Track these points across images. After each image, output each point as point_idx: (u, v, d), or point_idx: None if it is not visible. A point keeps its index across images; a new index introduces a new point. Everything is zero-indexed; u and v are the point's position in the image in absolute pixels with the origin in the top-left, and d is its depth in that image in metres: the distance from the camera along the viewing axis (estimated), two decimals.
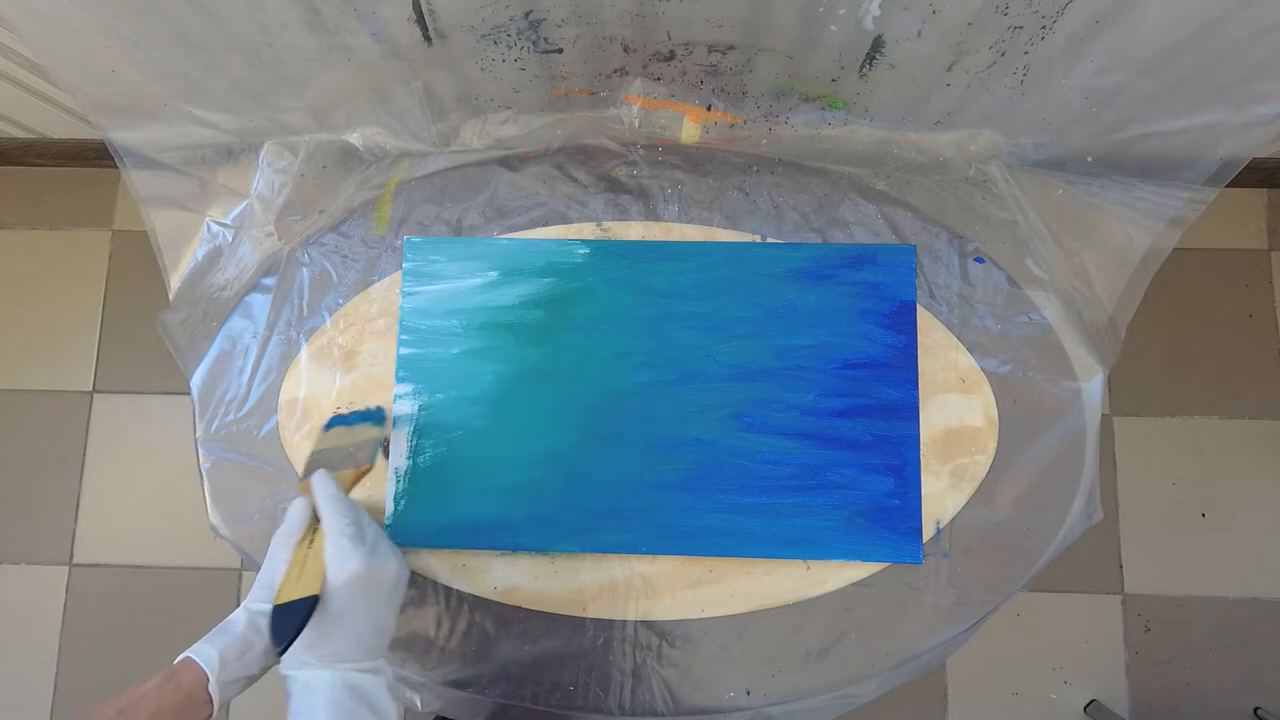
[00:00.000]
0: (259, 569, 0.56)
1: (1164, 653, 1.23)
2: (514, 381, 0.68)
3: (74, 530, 1.28)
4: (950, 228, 0.71)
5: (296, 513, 0.52)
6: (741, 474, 0.66)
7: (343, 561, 0.48)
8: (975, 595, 0.65)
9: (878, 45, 0.62)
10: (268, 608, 0.52)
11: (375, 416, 0.64)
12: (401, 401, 0.68)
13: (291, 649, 0.47)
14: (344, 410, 0.67)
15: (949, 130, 0.72)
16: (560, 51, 0.66)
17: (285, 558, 0.50)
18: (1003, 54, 0.61)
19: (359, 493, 0.67)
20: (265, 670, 0.53)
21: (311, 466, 0.57)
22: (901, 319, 0.68)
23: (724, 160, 0.73)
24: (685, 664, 0.65)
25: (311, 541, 0.50)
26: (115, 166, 0.67)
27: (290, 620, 0.45)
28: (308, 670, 0.47)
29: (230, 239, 0.72)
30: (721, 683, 0.65)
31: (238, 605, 0.54)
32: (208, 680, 0.49)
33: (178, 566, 1.26)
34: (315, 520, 0.52)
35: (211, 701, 0.49)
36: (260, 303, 0.71)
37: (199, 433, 0.69)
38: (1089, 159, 0.71)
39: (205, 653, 0.50)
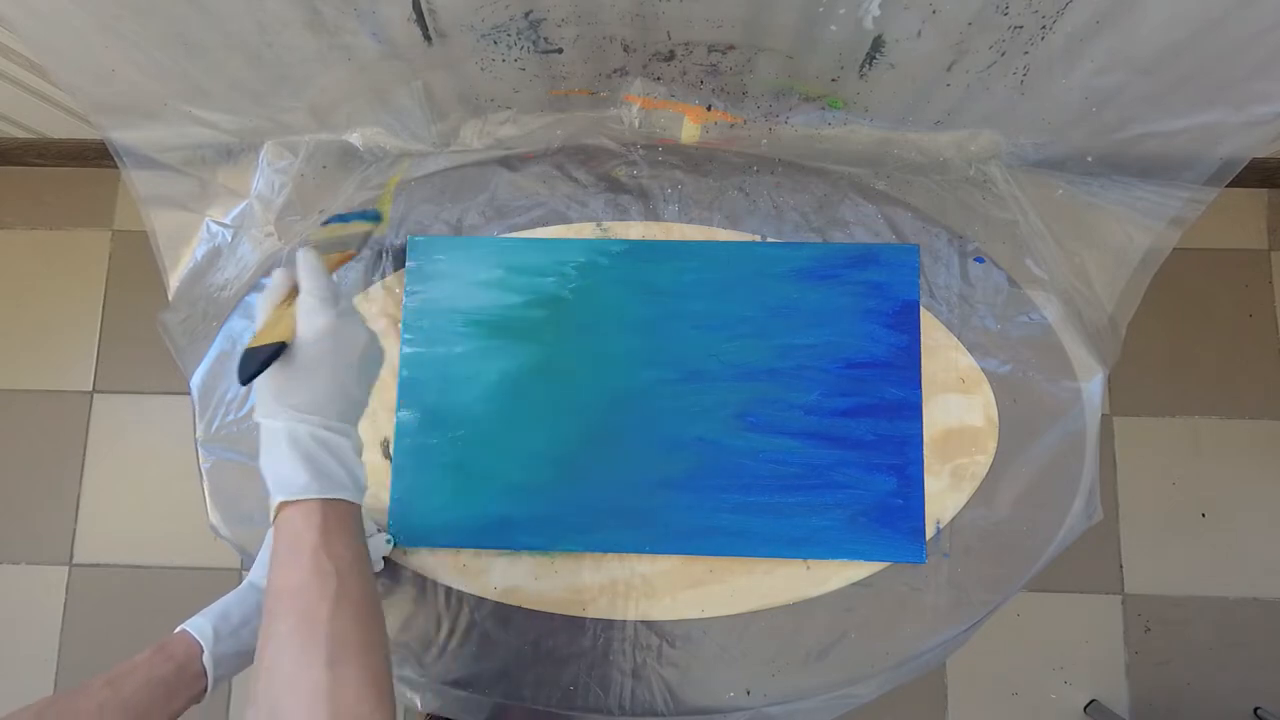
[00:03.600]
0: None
1: (1164, 653, 1.23)
2: (516, 380, 0.68)
3: (74, 530, 1.28)
4: (950, 228, 0.71)
5: (278, 277, 0.52)
6: (744, 473, 0.66)
7: (312, 317, 0.48)
8: (975, 595, 0.65)
9: (878, 45, 0.62)
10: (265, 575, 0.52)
11: (370, 215, 0.63)
12: (404, 400, 0.68)
13: (262, 398, 0.48)
14: (344, 211, 0.66)
15: (949, 130, 0.72)
16: (560, 51, 0.66)
17: (266, 312, 0.51)
18: (1003, 54, 0.61)
19: None
20: None
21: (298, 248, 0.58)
22: (904, 318, 0.68)
23: (724, 160, 0.73)
24: (685, 664, 0.65)
25: (289, 304, 0.51)
26: (115, 166, 0.67)
27: (256, 360, 0.46)
28: (277, 419, 0.47)
29: (230, 239, 0.72)
30: (721, 683, 0.65)
31: None
32: (201, 652, 0.49)
33: (178, 566, 1.26)
34: (295, 291, 0.52)
35: (206, 675, 0.49)
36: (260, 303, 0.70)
37: (199, 433, 0.69)
38: (1089, 159, 0.71)
39: (198, 624, 0.50)
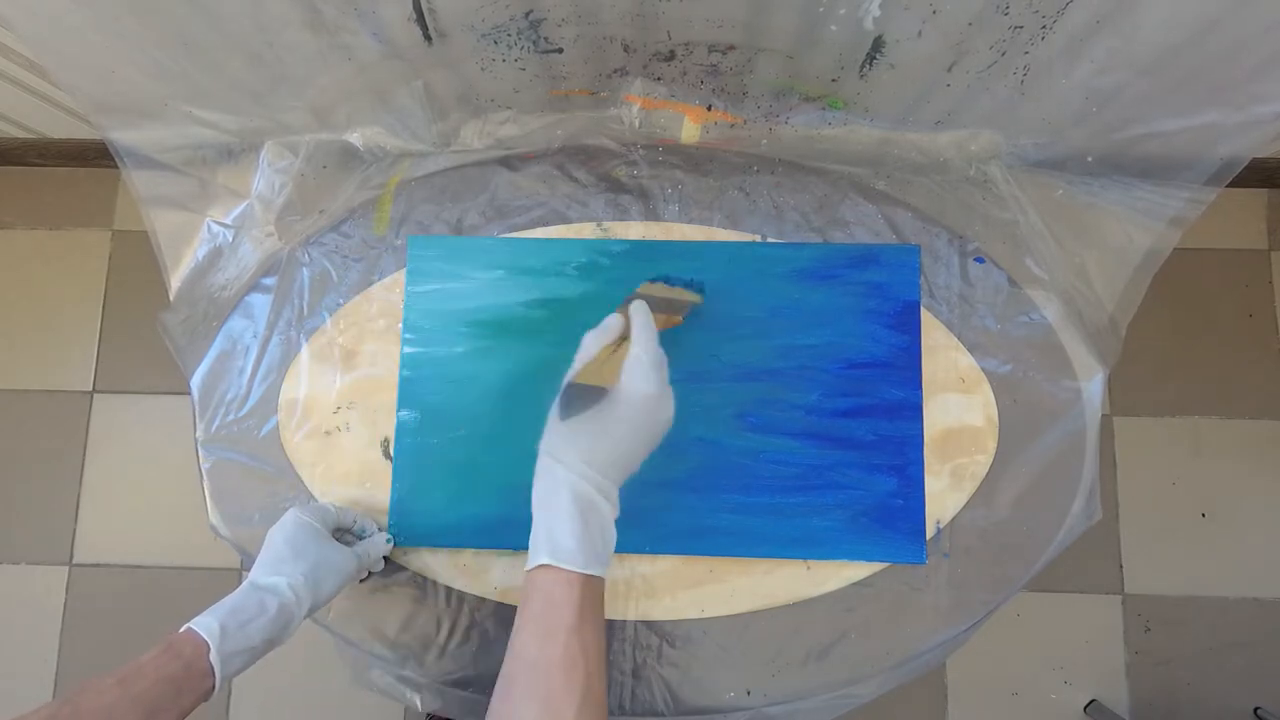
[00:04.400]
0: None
1: (1164, 653, 1.23)
2: (517, 380, 0.68)
3: (74, 530, 1.28)
4: (950, 228, 0.71)
5: (613, 320, 0.54)
6: (745, 474, 0.66)
7: (641, 377, 0.50)
8: (975, 595, 0.65)
9: (878, 45, 0.62)
10: (273, 580, 0.53)
11: (696, 286, 0.66)
12: (404, 400, 0.68)
13: (558, 435, 0.49)
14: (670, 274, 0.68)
15: (949, 130, 0.72)
16: (560, 51, 0.66)
17: (593, 352, 0.52)
18: (1003, 54, 0.61)
19: (349, 492, 0.67)
20: (268, 644, 0.52)
21: (634, 299, 0.60)
22: (905, 319, 0.68)
23: (724, 160, 0.73)
24: (685, 664, 0.65)
25: (616, 350, 0.53)
26: (115, 166, 0.67)
27: (582, 398, 0.48)
28: (561, 465, 0.48)
29: (230, 239, 0.72)
30: (721, 683, 0.65)
31: None
32: (208, 650, 0.49)
33: (178, 566, 1.26)
34: (624, 337, 0.54)
35: (213, 673, 0.49)
36: (260, 303, 0.71)
37: (199, 433, 0.69)
38: (1089, 159, 0.71)
39: (205, 623, 0.50)
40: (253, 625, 0.51)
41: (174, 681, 0.47)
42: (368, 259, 0.71)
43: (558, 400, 0.49)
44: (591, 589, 0.46)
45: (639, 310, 0.54)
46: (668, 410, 0.51)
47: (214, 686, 0.49)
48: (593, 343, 0.54)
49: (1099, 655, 1.23)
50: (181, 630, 0.50)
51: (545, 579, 0.46)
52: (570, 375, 0.51)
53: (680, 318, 0.62)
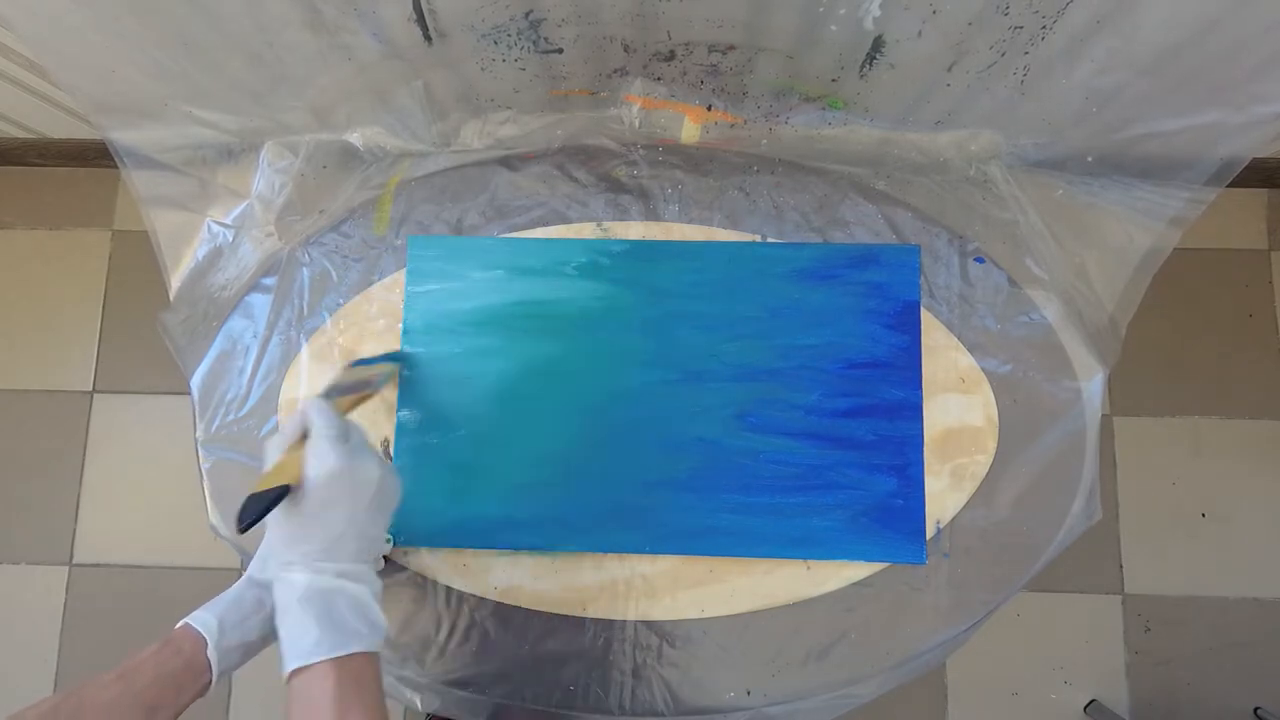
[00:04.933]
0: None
1: (1164, 653, 1.23)
2: (517, 380, 0.68)
3: (74, 530, 1.28)
4: (950, 228, 0.71)
5: (290, 422, 0.52)
6: (745, 474, 0.66)
7: (321, 458, 0.48)
8: (975, 595, 0.65)
9: (878, 45, 0.62)
10: (269, 576, 0.52)
11: (396, 356, 0.66)
12: (404, 400, 0.68)
13: (274, 549, 0.47)
14: (372, 354, 0.68)
15: (949, 130, 0.72)
16: (560, 51, 0.66)
17: (274, 457, 0.51)
18: (1003, 54, 0.61)
19: None
20: (265, 639, 0.52)
21: (321, 393, 0.59)
22: (905, 319, 0.68)
23: (724, 160, 0.73)
24: (685, 664, 0.65)
25: (299, 447, 0.51)
26: (115, 166, 0.67)
27: (258, 505, 0.46)
28: (290, 571, 0.47)
29: (231, 239, 0.72)
30: (721, 683, 0.65)
31: None
32: (206, 646, 0.49)
33: (178, 566, 1.26)
34: (304, 435, 0.52)
35: (210, 668, 0.49)
36: (260, 303, 0.71)
37: (199, 433, 0.69)
38: (1089, 159, 0.71)
39: (203, 618, 0.50)
40: (249, 621, 0.51)
41: (174, 677, 0.47)
42: (368, 259, 0.71)
43: (236, 518, 0.46)
44: (350, 669, 0.45)
45: (311, 404, 0.52)
46: (369, 471, 0.49)
47: (211, 682, 0.49)
48: (273, 449, 0.51)
49: (1099, 655, 1.23)
50: (179, 625, 0.50)
51: (298, 683, 0.44)
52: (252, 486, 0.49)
53: (374, 391, 0.61)
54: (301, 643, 0.45)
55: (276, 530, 0.48)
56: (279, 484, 0.47)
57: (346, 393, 0.59)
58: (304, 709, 0.44)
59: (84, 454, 1.30)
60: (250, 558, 0.63)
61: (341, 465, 0.48)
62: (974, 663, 1.23)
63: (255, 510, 0.46)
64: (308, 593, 0.46)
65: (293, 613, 0.46)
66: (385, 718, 0.45)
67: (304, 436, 0.51)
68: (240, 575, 0.55)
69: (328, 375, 0.69)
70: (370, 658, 0.46)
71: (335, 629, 0.45)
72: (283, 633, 0.46)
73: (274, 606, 0.47)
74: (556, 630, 0.65)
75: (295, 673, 0.45)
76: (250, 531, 0.66)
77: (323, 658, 0.44)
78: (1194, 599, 1.24)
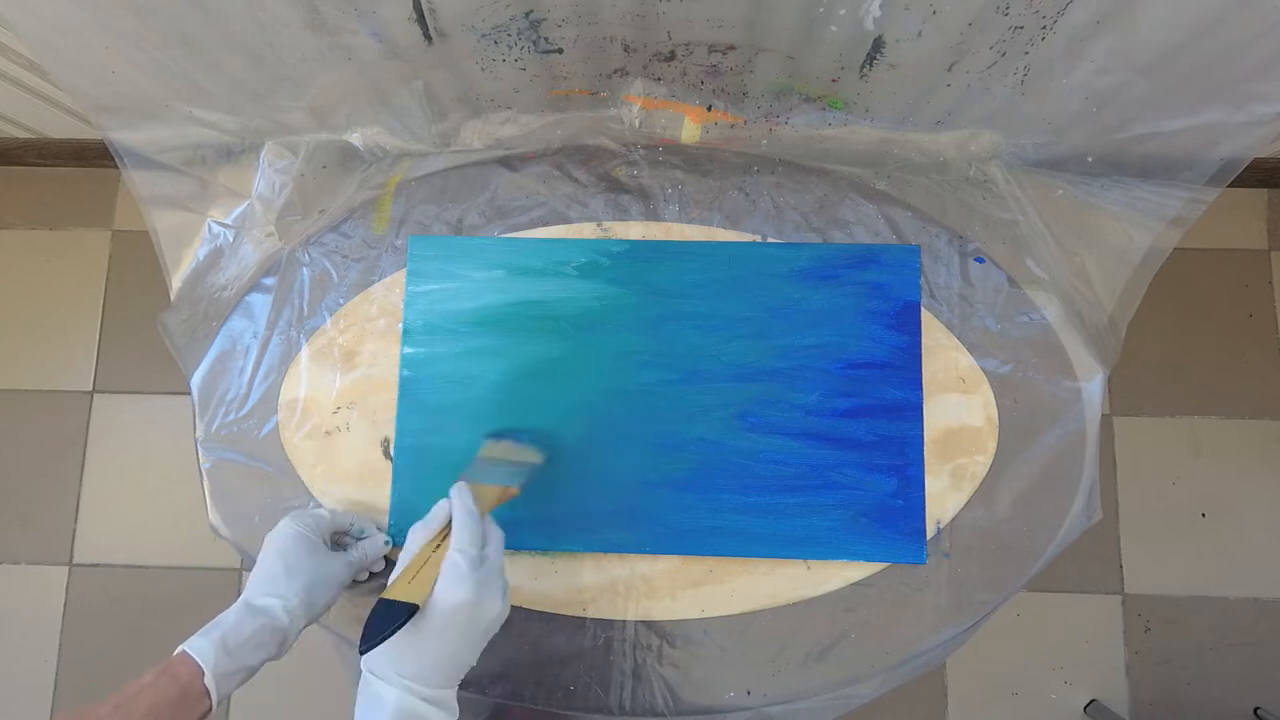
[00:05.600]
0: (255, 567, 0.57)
1: (1164, 653, 1.23)
2: (516, 380, 0.68)
3: (74, 530, 1.28)
4: (950, 228, 0.71)
5: (438, 512, 0.53)
6: (745, 474, 0.66)
7: (454, 585, 0.48)
8: (975, 595, 0.65)
9: (878, 45, 0.62)
10: (267, 602, 0.53)
11: (544, 441, 0.65)
12: (404, 400, 0.68)
13: (372, 656, 0.47)
14: (519, 429, 0.67)
15: (949, 130, 0.72)
16: (560, 51, 0.66)
17: (414, 550, 0.51)
18: (1003, 54, 0.61)
19: (349, 492, 0.67)
20: (263, 662, 0.53)
21: (472, 471, 0.58)
22: (905, 319, 0.68)
23: (724, 160, 0.73)
24: (685, 664, 0.65)
25: (437, 546, 0.51)
26: (115, 166, 0.67)
27: (388, 620, 0.46)
28: (383, 682, 0.47)
29: (231, 239, 0.72)
30: (722, 683, 0.65)
31: None
32: (203, 674, 0.49)
33: (178, 566, 1.26)
34: (446, 531, 0.52)
35: (209, 695, 0.49)
36: (261, 303, 0.71)
37: (199, 433, 0.69)
38: (1089, 159, 0.71)
39: (200, 646, 0.50)
40: (245, 647, 0.51)
41: (171, 705, 0.47)
42: (368, 259, 0.71)
43: (366, 621, 0.46)
44: None
45: (458, 495, 0.52)
46: (491, 608, 0.49)
47: (211, 709, 0.50)
48: (416, 539, 0.52)
49: (1099, 655, 1.23)
50: (176, 653, 0.50)
51: None
52: (389, 584, 0.49)
53: (518, 488, 0.59)
54: None
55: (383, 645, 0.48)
56: (410, 599, 0.47)
57: (493, 478, 0.58)
58: None
59: (84, 454, 1.30)
60: (251, 558, 0.63)
61: (471, 598, 0.48)
62: (974, 663, 1.23)
63: (382, 628, 0.45)
64: (397, 713, 0.46)
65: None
66: None
67: (445, 532, 0.51)
68: (240, 576, 0.55)
69: (331, 376, 0.69)
70: None
71: None
72: None
73: (356, 703, 0.48)
74: (556, 630, 0.65)
75: None
76: (250, 533, 0.67)
77: None
78: (1194, 599, 1.24)
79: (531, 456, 0.63)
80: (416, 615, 0.47)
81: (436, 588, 0.48)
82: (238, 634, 0.51)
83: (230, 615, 0.53)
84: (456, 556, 0.49)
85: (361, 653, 0.46)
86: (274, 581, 0.55)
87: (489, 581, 0.49)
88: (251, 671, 0.52)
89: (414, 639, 0.47)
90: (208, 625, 0.52)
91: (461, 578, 0.48)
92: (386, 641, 0.46)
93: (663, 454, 0.67)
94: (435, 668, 0.48)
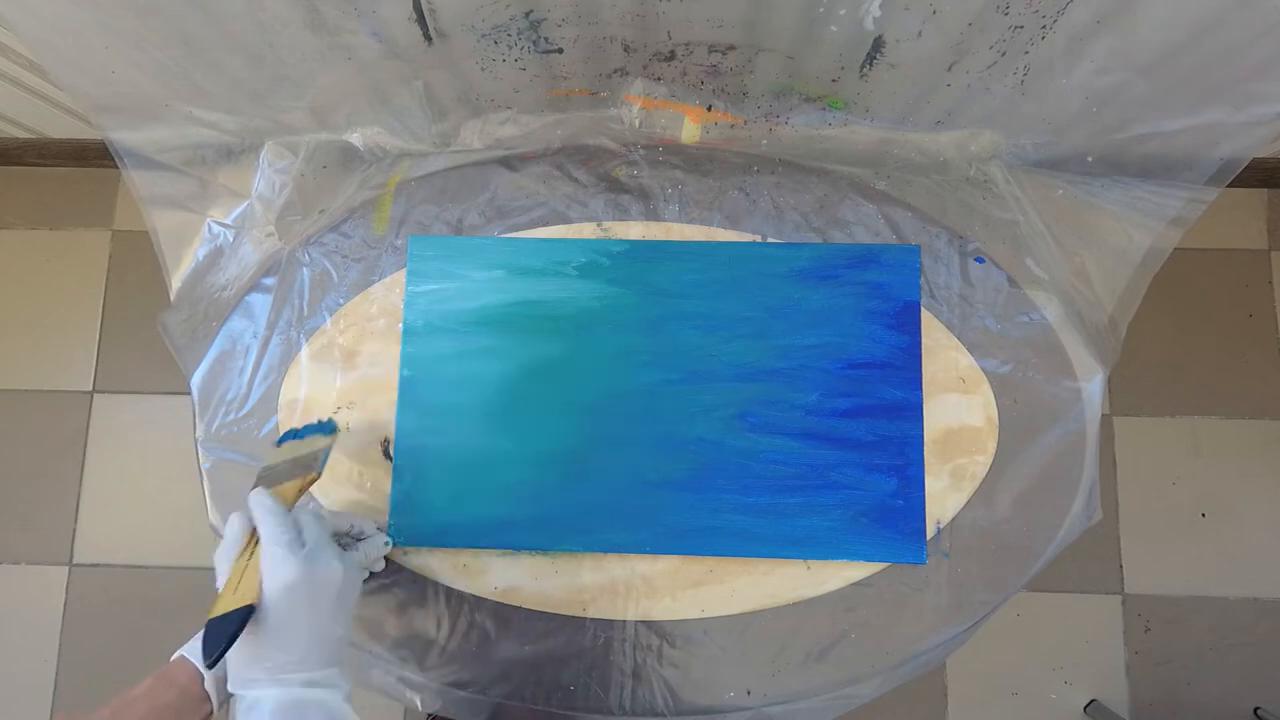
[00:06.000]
0: None
1: (1164, 653, 1.23)
2: (517, 380, 0.68)
3: (74, 530, 1.28)
4: (950, 228, 0.71)
5: (233, 527, 0.51)
6: (745, 474, 0.66)
7: (277, 569, 0.46)
8: (975, 595, 0.65)
9: (878, 45, 0.62)
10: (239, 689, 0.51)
11: (326, 427, 0.63)
12: (404, 400, 0.68)
13: (236, 665, 0.46)
14: (296, 426, 0.66)
15: (949, 130, 0.72)
16: (560, 51, 0.66)
17: (224, 571, 0.49)
18: (1003, 54, 0.61)
19: (349, 492, 0.67)
20: None
21: (260, 481, 0.56)
22: (905, 319, 0.68)
23: (724, 160, 0.73)
24: (685, 664, 0.65)
25: (251, 554, 0.49)
26: (115, 166, 0.67)
27: (221, 632, 0.44)
28: (255, 688, 0.45)
29: (231, 239, 0.72)
30: (722, 683, 0.65)
31: None
32: (202, 678, 0.49)
33: (178, 566, 1.26)
34: (254, 538, 0.50)
35: (210, 699, 0.49)
36: (261, 303, 0.71)
37: (199, 433, 0.69)
38: (1089, 159, 0.71)
39: (197, 649, 0.49)
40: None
41: (170, 709, 0.47)
42: (368, 259, 0.71)
43: (201, 649, 0.44)
44: None
45: (256, 502, 0.50)
46: (329, 574, 0.48)
47: (212, 712, 0.49)
48: (224, 560, 0.50)
49: (1099, 655, 1.23)
50: (174, 658, 0.50)
51: None
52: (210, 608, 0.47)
53: (316, 472, 0.57)
54: None
55: (237, 652, 0.46)
56: (239, 605, 0.45)
57: (286, 477, 0.56)
58: None
59: (84, 454, 1.30)
60: None
61: (300, 574, 0.46)
62: (974, 663, 1.23)
63: (220, 640, 0.44)
64: (277, 709, 0.44)
65: None
66: None
67: (254, 539, 0.49)
68: None
69: (331, 376, 0.69)
70: None
71: None
72: None
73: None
74: (556, 630, 0.65)
75: None
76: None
77: None
78: (1194, 599, 1.24)
79: (320, 443, 0.61)
80: (256, 614, 0.45)
81: (263, 581, 0.46)
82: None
83: None
84: (270, 547, 0.47)
85: (208, 666, 0.44)
86: None
87: (316, 553, 0.48)
88: None
89: (265, 634, 0.46)
90: None
91: (283, 560, 0.47)
92: (245, 650, 0.45)
93: (663, 454, 0.67)
94: (304, 654, 0.46)
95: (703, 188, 0.72)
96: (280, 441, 0.63)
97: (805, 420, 0.67)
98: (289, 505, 0.52)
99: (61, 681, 1.25)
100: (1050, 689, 1.23)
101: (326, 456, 0.59)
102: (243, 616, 0.45)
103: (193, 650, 0.50)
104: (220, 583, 0.49)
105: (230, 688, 0.47)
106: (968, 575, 0.66)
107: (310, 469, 0.57)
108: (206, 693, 0.49)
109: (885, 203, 0.71)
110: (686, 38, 0.64)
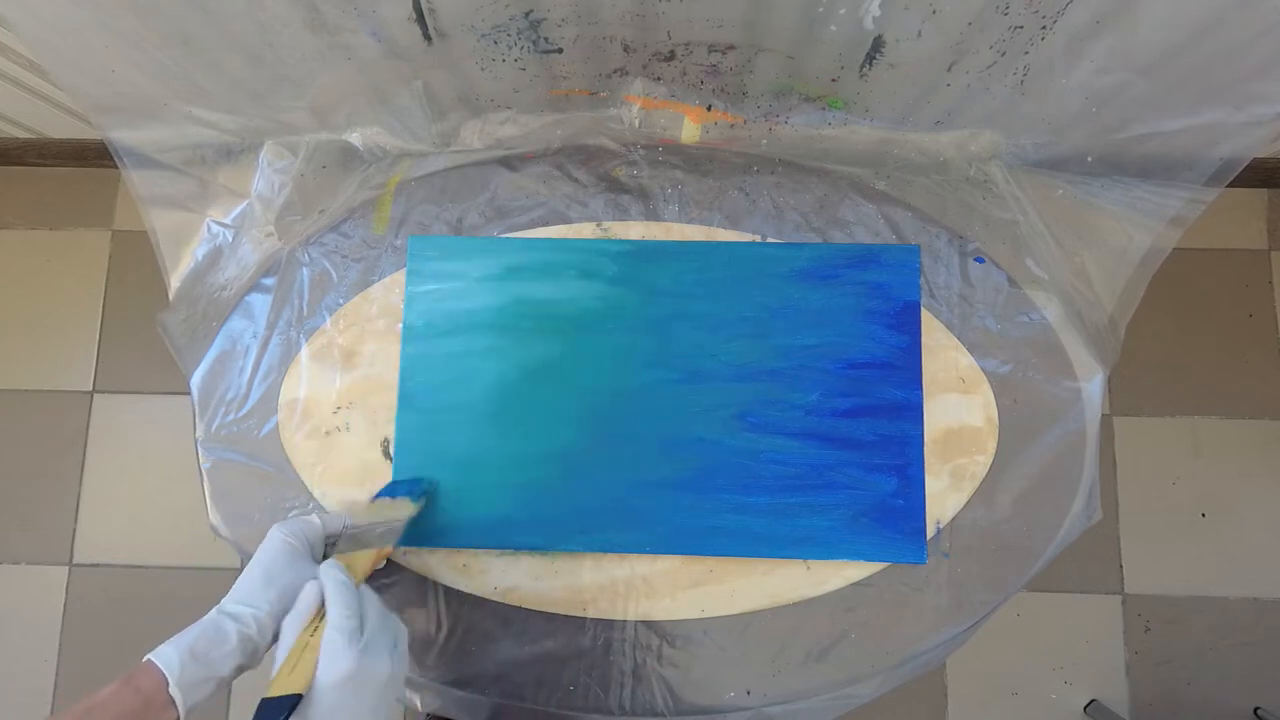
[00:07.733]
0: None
1: (1164, 653, 1.23)
2: (517, 380, 0.68)
3: (74, 530, 1.28)
4: (950, 228, 0.71)
5: (307, 597, 0.51)
6: (745, 474, 0.66)
7: (335, 660, 0.47)
8: (975, 595, 0.65)
9: (878, 45, 0.62)
10: (238, 609, 0.51)
11: (416, 489, 0.64)
12: (404, 400, 0.68)
13: None
14: (400, 479, 0.66)
15: (949, 130, 0.72)
16: (560, 51, 0.66)
17: (289, 642, 0.49)
18: (1003, 54, 0.61)
19: (357, 492, 0.67)
20: (235, 671, 0.51)
21: (343, 544, 0.57)
22: (905, 319, 0.68)
23: (724, 160, 0.73)
24: (685, 664, 0.65)
25: (315, 629, 0.50)
26: (115, 166, 0.67)
27: (274, 715, 0.45)
28: None
29: (230, 239, 0.72)
30: (721, 683, 0.65)
31: None
32: (168, 683, 0.48)
33: (178, 566, 1.26)
34: (321, 612, 0.51)
35: (174, 704, 0.48)
36: (260, 303, 0.71)
37: (199, 433, 0.69)
38: (1089, 159, 0.71)
39: (165, 654, 0.49)
40: (214, 654, 0.50)
41: (134, 716, 0.46)
42: (368, 259, 0.71)
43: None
44: None
45: (327, 572, 0.51)
46: (380, 668, 0.48)
47: (178, 718, 0.48)
48: (290, 630, 0.50)
49: (1099, 655, 1.23)
50: (142, 661, 0.49)
51: None
52: (270, 680, 0.47)
53: (392, 546, 0.58)
54: None
55: None
56: (292, 691, 0.45)
57: (366, 544, 0.57)
58: None
59: (84, 454, 1.30)
60: (250, 558, 0.63)
61: (353, 668, 0.47)
62: (974, 663, 1.23)
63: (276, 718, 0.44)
64: None
65: None
66: None
67: (320, 615, 0.50)
68: (239, 575, 0.55)
69: (331, 376, 0.69)
70: None
71: None
72: None
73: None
74: (556, 630, 0.65)
75: None
76: (250, 533, 0.67)
77: None
78: (1194, 599, 1.24)
79: (406, 510, 0.61)
80: (302, 704, 0.46)
81: (318, 671, 0.47)
82: (205, 640, 0.50)
83: (201, 623, 0.51)
84: (334, 634, 0.48)
85: None
86: (250, 590, 0.53)
87: (371, 646, 0.48)
88: (224, 681, 0.50)
89: None
90: (179, 633, 0.51)
91: (340, 653, 0.47)
92: None
93: (663, 454, 0.67)
94: None
95: (703, 188, 0.72)
96: (376, 497, 0.63)
97: (805, 420, 0.67)
98: (359, 580, 0.52)
99: (61, 681, 1.25)
100: (1050, 689, 1.23)
101: (405, 528, 0.60)
102: (290, 705, 0.45)
103: (161, 655, 0.49)
104: (281, 654, 0.49)
105: (242, 608, 0.48)
106: (968, 575, 0.66)
107: (389, 541, 0.58)
108: (171, 698, 0.48)
109: (885, 203, 0.71)
110: (686, 38, 0.64)
